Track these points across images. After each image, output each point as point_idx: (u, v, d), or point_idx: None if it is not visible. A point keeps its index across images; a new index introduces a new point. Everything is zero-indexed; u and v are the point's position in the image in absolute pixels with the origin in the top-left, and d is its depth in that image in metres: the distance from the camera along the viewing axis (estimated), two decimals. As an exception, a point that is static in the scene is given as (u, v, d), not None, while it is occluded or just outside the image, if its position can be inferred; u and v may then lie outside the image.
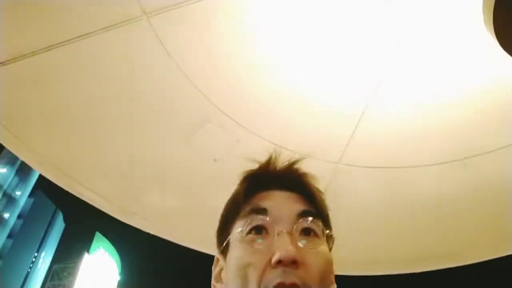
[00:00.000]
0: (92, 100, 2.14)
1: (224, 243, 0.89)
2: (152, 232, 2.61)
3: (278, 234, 0.80)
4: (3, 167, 39.08)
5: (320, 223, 0.86)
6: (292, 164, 0.95)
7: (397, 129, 2.24)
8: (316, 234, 0.84)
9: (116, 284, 48.56)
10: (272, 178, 0.92)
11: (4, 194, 38.47)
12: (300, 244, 0.80)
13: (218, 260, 0.94)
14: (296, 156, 0.96)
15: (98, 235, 47.13)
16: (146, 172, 2.45)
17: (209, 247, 2.79)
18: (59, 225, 45.22)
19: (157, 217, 2.68)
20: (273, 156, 0.97)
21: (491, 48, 1.71)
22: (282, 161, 0.96)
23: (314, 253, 0.80)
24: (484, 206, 2.45)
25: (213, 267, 0.95)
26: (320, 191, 0.94)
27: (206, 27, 1.92)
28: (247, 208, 0.87)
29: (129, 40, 1.94)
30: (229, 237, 0.88)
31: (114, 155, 2.37)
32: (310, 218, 0.85)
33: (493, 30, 1.61)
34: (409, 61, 2.00)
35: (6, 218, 38.59)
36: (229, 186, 2.70)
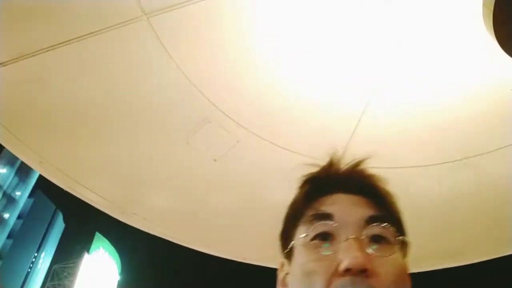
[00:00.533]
0: (92, 101, 2.14)
1: (288, 248, 0.85)
2: (152, 232, 2.61)
3: (345, 240, 0.75)
4: (3, 168, 39.05)
5: (392, 229, 0.79)
6: (357, 165, 0.89)
7: (397, 129, 2.24)
8: (387, 241, 0.77)
9: (116, 284, 48.53)
10: (336, 181, 0.86)
11: (4, 194, 38.45)
12: (369, 251, 0.74)
13: (282, 264, 0.89)
14: (360, 157, 0.89)
15: (98, 235, 47.08)
16: (146, 172, 2.46)
17: (208, 247, 2.79)
18: (59, 225, 45.19)
19: (157, 217, 2.68)
20: (335, 157, 0.91)
21: (491, 48, 1.71)
22: (345, 162, 0.89)
23: (385, 261, 0.74)
24: (484, 206, 2.45)
25: (278, 271, 0.91)
26: (390, 194, 0.86)
27: (206, 27, 1.92)
28: (310, 213, 0.82)
29: (129, 40, 1.94)
30: (293, 242, 0.84)
31: (114, 155, 2.37)
32: (380, 224, 0.78)
33: (492, 30, 1.62)
34: (409, 62, 2.00)
35: (6, 218, 38.57)
36: (229, 186, 2.70)
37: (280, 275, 0.89)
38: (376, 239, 0.76)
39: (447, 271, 2.83)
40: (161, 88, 2.12)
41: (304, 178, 0.90)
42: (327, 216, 0.79)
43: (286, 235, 0.87)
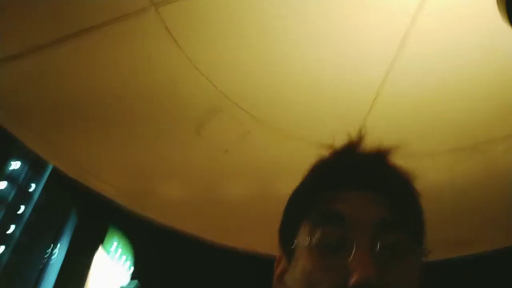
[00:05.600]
0: (102, 93, 2.15)
1: (289, 246, 0.76)
2: (164, 223, 2.64)
3: (356, 250, 0.66)
4: (16, 161, 39.60)
5: (411, 236, 0.70)
6: (381, 155, 0.76)
7: (408, 117, 2.22)
8: (404, 250, 0.69)
9: (129, 276, 49.19)
10: (352, 173, 0.74)
11: (19, 187, 39.04)
12: (383, 263, 0.65)
13: (280, 260, 0.81)
14: (383, 145, 0.76)
15: (111, 229, 47.67)
16: (158, 163, 2.47)
17: (222, 238, 2.81)
18: (73, 219, 45.81)
19: (170, 208, 2.70)
20: (353, 142, 0.77)
21: (506, 34, 1.67)
22: (364, 151, 0.76)
23: (399, 274, 0.67)
24: (495, 194, 2.42)
25: (275, 265, 0.83)
26: (414, 192, 0.76)
27: (216, 16, 1.91)
28: (319, 212, 0.72)
29: (137, 31, 1.93)
30: (296, 241, 0.75)
31: (125, 147, 2.40)
32: (397, 232, 0.69)
33: (506, 16, 1.58)
34: (422, 45, 1.95)
35: (21, 211, 39.20)
36: (241, 176, 2.71)
37: (277, 271, 0.81)
38: (392, 248, 0.68)
39: (456, 260, 2.81)
40: (170, 79, 2.12)
41: (313, 167, 0.79)
42: (338, 218, 0.69)
43: (288, 230, 0.78)
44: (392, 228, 0.69)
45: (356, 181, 0.73)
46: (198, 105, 2.22)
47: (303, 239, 0.72)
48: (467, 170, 2.34)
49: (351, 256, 0.65)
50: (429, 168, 2.30)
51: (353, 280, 0.63)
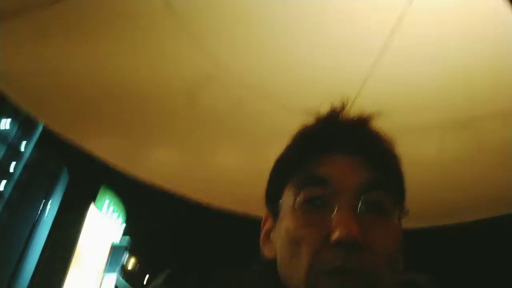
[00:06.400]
0: (95, 56, 2.11)
1: (275, 206, 0.79)
2: (156, 184, 2.66)
3: (339, 208, 0.68)
4: (6, 119, 39.26)
5: (392, 196, 0.73)
6: (362, 121, 0.79)
7: (402, 90, 2.22)
8: (385, 210, 0.71)
9: (121, 232, 50.01)
10: (335, 138, 0.76)
11: (9, 146, 38.88)
12: (365, 221, 0.67)
13: (267, 218, 0.85)
14: (366, 112, 0.79)
15: (103, 187, 48.00)
16: (150, 125, 2.47)
17: (213, 199, 2.85)
18: (64, 177, 45.98)
19: (162, 170, 2.72)
20: (335, 110, 0.80)
21: (504, 7, 1.66)
22: (347, 117, 0.79)
23: (382, 233, 0.69)
24: (485, 168, 2.47)
25: (262, 224, 0.86)
26: (395, 156, 0.78)
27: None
28: (303, 174, 0.74)
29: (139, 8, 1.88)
30: (281, 201, 0.78)
31: (117, 108, 2.38)
32: (380, 191, 0.71)
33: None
34: (419, 22, 1.93)
35: (12, 169, 39.22)
36: (232, 144, 2.72)
37: (264, 229, 0.86)
38: (374, 207, 0.70)
39: (443, 229, 2.89)
40: (163, 45, 2.09)
41: (298, 133, 0.82)
42: (322, 181, 0.72)
43: (273, 192, 0.81)
44: (374, 188, 0.71)
45: (339, 145, 0.75)
46: (190, 72, 2.20)
47: (287, 199, 0.75)
48: (457, 145, 2.37)
49: (334, 214, 0.68)
50: (418, 142, 2.33)
51: (335, 236, 0.65)
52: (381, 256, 0.67)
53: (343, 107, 0.80)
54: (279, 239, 0.76)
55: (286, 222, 0.74)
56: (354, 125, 0.78)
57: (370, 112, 0.79)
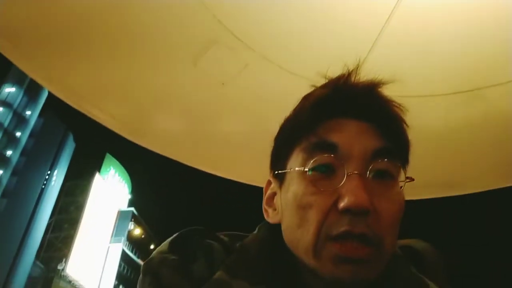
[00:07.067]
0: (100, 18, 2.07)
1: (281, 171, 0.78)
2: (160, 153, 2.67)
3: (348, 176, 0.68)
4: (11, 86, 39.24)
5: (399, 164, 0.73)
6: (374, 86, 0.76)
7: (409, 57, 2.18)
8: (392, 177, 0.72)
9: (127, 202, 50.86)
10: (346, 103, 0.74)
11: (15, 113, 39.03)
12: (372, 189, 0.68)
13: (270, 182, 0.84)
14: (378, 77, 0.77)
15: (108, 156, 48.49)
16: (155, 93, 2.45)
17: (216, 168, 2.87)
18: (70, 145, 46.36)
19: (166, 138, 2.73)
20: (347, 74, 0.78)
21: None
22: (358, 81, 0.77)
23: (388, 199, 0.70)
24: (491, 139, 2.45)
25: (264, 188, 0.86)
26: (403, 123, 0.77)
27: None
28: (312, 140, 0.72)
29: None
30: (287, 165, 0.77)
31: (122, 75, 2.36)
32: (389, 159, 0.71)
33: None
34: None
35: (18, 136, 39.52)
36: (238, 110, 2.70)
37: (267, 194, 0.85)
38: (381, 174, 0.71)
39: (448, 200, 2.91)
40: (167, 6, 2.04)
41: (307, 96, 0.80)
42: (331, 147, 0.71)
43: (280, 156, 0.80)
44: (383, 156, 0.71)
45: (349, 110, 0.74)
46: (196, 35, 2.15)
47: (295, 164, 0.74)
48: (464, 113, 2.35)
49: (343, 181, 0.68)
50: (425, 110, 2.30)
51: (343, 203, 0.66)
52: (386, 222, 0.68)
53: (354, 71, 0.77)
54: (285, 204, 0.76)
55: (294, 188, 0.73)
56: (365, 90, 0.76)
57: (381, 77, 0.77)
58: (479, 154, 2.56)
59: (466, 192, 2.80)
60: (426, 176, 2.60)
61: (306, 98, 0.80)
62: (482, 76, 2.21)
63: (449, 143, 2.51)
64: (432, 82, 2.28)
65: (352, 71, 0.77)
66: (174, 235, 0.79)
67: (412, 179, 0.74)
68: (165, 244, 0.78)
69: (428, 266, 0.83)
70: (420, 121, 2.35)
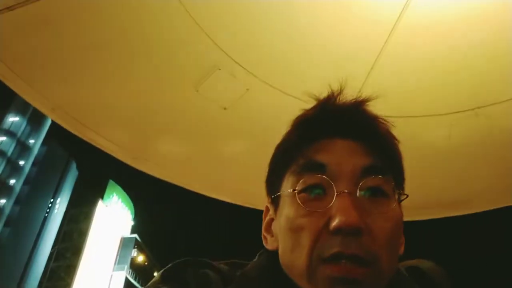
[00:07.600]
0: (102, 45, 2.11)
1: (275, 196, 0.79)
2: (163, 178, 2.66)
3: (337, 195, 0.67)
4: (15, 116, 39.60)
5: (391, 180, 0.71)
6: (359, 104, 0.76)
7: (410, 78, 2.19)
8: (385, 194, 0.70)
9: (130, 228, 50.43)
10: (331, 123, 0.74)
11: (18, 142, 39.25)
12: (364, 207, 0.67)
13: (268, 209, 0.84)
14: (362, 96, 0.77)
15: (111, 183, 48.37)
16: (157, 119, 2.47)
17: (219, 193, 2.86)
18: (72, 172, 46.38)
19: (168, 163, 2.73)
20: (333, 94, 0.78)
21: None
22: (344, 101, 0.76)
23: (381, 217, 0.68)
24: (495, 157, 2.44)
25: (263, 214, 0.86)
26: (393, 139, 0.77)
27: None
28: (301, 161, 0.73)
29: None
30: (280, 190, 0.77)
31: (124, 101, 2.38)
32: (379, 176, 0.70)
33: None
34: (428, 5, 1.90)
35: (22, 165, 39.63)
36: (239, 134, 2.71)
37: (265, 220, 0.85)
38: (373, 192, 0.69)
39: (454, 219, 2.87)
40: (170, 34, 2.08)
41: (296, 119, 0.80)
42: (319, 167, 0.70)
43: (273, 181, 0.80)
44: (373, 173, 0.70)
45: (335, 130, 0.74)
46: (197, 62, 2.18)
47: (287, 188, 0.74)
48: (466, 132, 2.34)
49: (333, 201, 0.67)
50: (428, 129, 2.30)
51: (334, 224, 0.65)
52: (381, 240, 0.66)
53: (340, 91, 0.77)
54: (279, 228, 0.76)
55: (286, 211, 0.73)
56: (350, 109, 0.76)
57: (366, 96, 0.77)
58: (484, 172, 2.54)
59: (472, 212, 2.77)
60: (431, 196, 2.58)
61: (295, 121, 0.80)
62: (484, 94, 2.22)
63: (453, 162, 2.49)
64: (433, 102, 2.28)
65: (339, 91, 0.77)
66: (168, 266, 0.78)
67: (406, 196, 0.73)
68: (158, 275, 0.76)
69: (435, 287, 0.81)
70: (424, 140, 2.36)
